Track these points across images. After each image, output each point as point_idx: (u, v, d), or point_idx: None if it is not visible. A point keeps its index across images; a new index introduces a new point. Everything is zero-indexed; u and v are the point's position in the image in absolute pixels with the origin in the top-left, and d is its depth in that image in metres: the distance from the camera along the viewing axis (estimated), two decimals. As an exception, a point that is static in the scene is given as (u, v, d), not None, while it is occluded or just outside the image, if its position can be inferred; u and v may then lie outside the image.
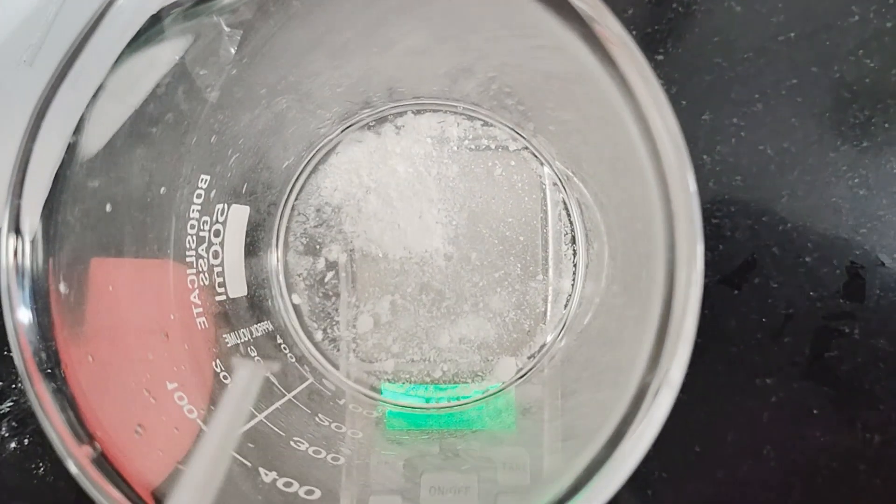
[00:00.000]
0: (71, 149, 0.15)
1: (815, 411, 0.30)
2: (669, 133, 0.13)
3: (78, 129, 0.15)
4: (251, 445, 0.18)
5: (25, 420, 0.32)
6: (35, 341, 0.14)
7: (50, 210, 0.14)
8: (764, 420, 0.31)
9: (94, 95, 0.15)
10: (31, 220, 0.14)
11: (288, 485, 0.17)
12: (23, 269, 0.14)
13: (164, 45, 0.16)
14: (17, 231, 0.14)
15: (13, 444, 0.33)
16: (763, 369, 0.31)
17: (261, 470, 0.18)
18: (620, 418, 0.14)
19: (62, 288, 0.15)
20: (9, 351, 0.32)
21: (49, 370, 0.14)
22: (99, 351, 0.15)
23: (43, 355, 0.14)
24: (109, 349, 0.16)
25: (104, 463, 0.14)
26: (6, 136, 0.23)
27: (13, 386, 0.32)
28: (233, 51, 0.21)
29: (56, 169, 0.14)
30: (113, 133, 0.16)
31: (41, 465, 0.33)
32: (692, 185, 0.14)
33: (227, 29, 0.20)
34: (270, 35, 0.19)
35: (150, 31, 0.15)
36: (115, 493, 0.14)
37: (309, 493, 0.17)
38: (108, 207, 0.16)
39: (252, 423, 0.19)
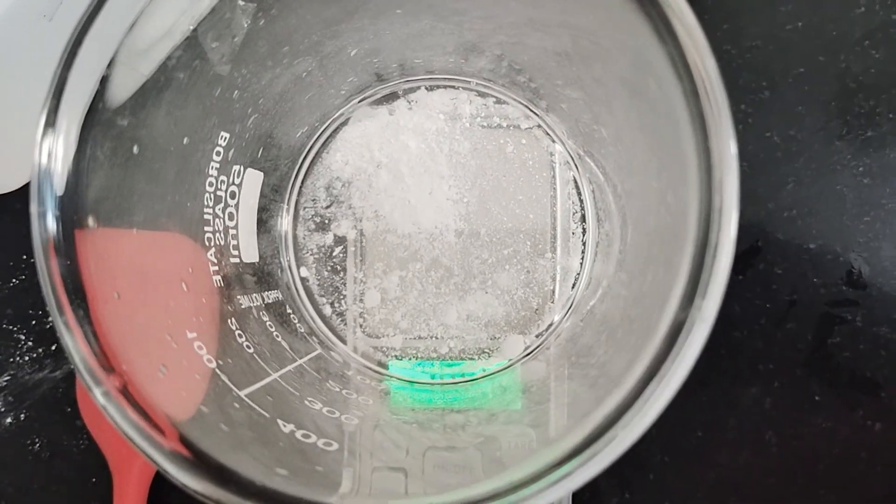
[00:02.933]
0: (104, 82, 0.15)
1: (816, 398, 0.31)
2: (714, 86, 0.14)
3: (111, 63, 0.15)
4: (269, 398, 0.18)
5: (22, 395, 0.32)
6: (63, 271, 0.14)
7: (82, 143, 0.14)
8: (766, 406, 0.31)
9: (130, 29, 0.15)
10: (66, 151, 0.14)
11: (306, 436, 0.17)
12: (54, 199, 0.14)
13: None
14: (49, 158, 0.14)
15: (9, 420, 0.32)
16: (766, 355, 0.31)
17: (279, 421, 0.17)
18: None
19: (90, 222, 0.15)
20: (6, 323, 0.32)
21: (76, 302, 0.14)
22: (125, 289, 0.15)
23: (70, 286, 0.14)
24: (134, 289, 0.16)
25: (129, 395, 0.14)
26: (28, 88, 0.23)
27: (11, 360, 0.32)
28: (245, 23, 0.21)
29: (89, 102, 0.14)
30: (147, 72, 0.16)
31: (37, 441, 0.32)
32: (733, 148, 0.14)
33: (241, 3, 0.20)
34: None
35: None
36: (143, 423, 0.14)
37: (327, 444, 0.17)
38: (136, 149, 0.16)
39: (267, 380, 0.19)
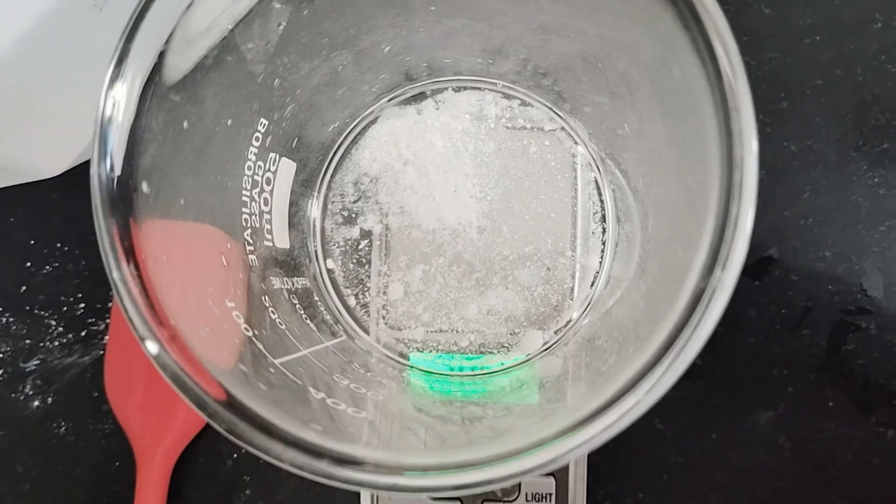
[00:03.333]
0: (161, 57, 0.16)
1: (830, 403, 0.31)
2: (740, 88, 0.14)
3: (169, 40, 0.16)
4: (300, 369, 0.19)
5: (51, 379, 0.33)
6: (119, 227, 0.15)
7: (140, 111, 0.15)
8: (780, 410, 0.31)
9: (186, 11, 0.16)
10: (126, 115, 0.15)
11: (336, 403, 0.18)
12: (113, 159, 0.15)
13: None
14: (114, 111, 0.15)
15: (36, 402, 0.33)
16: (781, 360, 0.31)
17: (311, 389, 0.18)
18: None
19: (144, 187, 0.16)
20: (38, 309, 0.33)
21: (129, 258, 0.15)
22: (173, 255, 0.16)
23: (124, 243, 0.15)
24: (181, 256, 0.17)
25: (178, 348, 0.15)
26: (77, 78, 0.24)
27: (41, 344, 0.33)
28: (282, 23, 0.22)
29: (148, 72, 0.15)
30: (199, 54, 0.17)
31: (63, 424, 0.33)
32: (754, 155, 0.15)
33: (277, 5, 0.21)
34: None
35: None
36: (192, 373, 0.14)
37: (356, 412, 0.18)
38: (185, 124, 0.17)
39: (297, 354, 0.20)
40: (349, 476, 0.14)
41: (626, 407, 0.14)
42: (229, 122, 0.20)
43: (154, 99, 0.16)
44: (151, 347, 0.14)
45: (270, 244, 0.24)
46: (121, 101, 0.15)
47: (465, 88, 0.30)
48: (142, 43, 0.15)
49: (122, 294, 0.14)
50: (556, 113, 0.29)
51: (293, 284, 0.25)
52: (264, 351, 0.18)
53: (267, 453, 0.14)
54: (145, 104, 0.16)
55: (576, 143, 0.29)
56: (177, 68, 0.17)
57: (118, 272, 0.14)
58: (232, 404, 0.15)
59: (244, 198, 0.22)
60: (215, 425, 0.15)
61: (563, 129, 0.29)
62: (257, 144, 0.22)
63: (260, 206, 0.23)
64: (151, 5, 0.15)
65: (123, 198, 0.15)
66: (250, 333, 0.18)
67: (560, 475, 0.29)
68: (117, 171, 0.15)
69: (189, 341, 0.15)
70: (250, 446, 0.15)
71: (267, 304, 0.21)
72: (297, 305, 0.24)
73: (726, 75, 0.14)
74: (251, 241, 0.22)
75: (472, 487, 0.15)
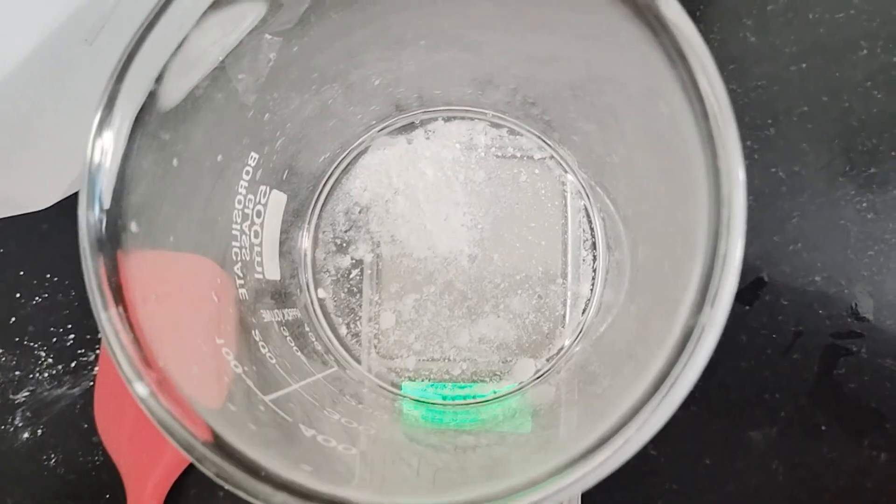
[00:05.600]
0: (151, 96, 0.16)
1: (822, 427, 0.31)
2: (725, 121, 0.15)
3: (159, 79, 0.16)
4: (291, 405, 0.19)
5: (40, 411, 0.33)
6: (107, 269, 0.15)
7: (128, 151, 0.15)
8: (773, 435, 0.31)
9: (176, 49, 0.16)
10: (114, 156, 0.15)
11: (326, 441, 0.18)
12: (102, 200, 0.15)
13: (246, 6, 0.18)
14: (102, 157, 0.15)
15: (26, 434, 0.33)
16: (772, 385, 0.31)
17: (301, 426, 0.18)
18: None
19: (133, 227, 0.16)
20: (28, 340, 0.33)
21: (117, 300, 0.15)
22: (161, 294, 0.16)
23: (112, 284, 0.15)
24: (170, 295, 0.17)
25: (166, 390, 0.14)
26: (66, 111, 0.24)
27: (31, 376, 0.33)
28: (272, 56, 0.22)
29: (136, 113, 0.15)
30: (188, 89, 0.17)
31: (52, 456, 0.33)
32: (742, 194, 0.15)
33: (268, 36, 0.22)
34: (329, 19, 0.20)
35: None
36: (179, 416, 0.14)
37: (347, 448, 0.18)
38: (175, 162, 0.17)
39: (288, 389, 0.20)
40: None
41: (617, 445, 0.14)
42: (219, 157, 0.20)
43: (143, 138, 0.16)
44: (139, 390, 0.14)
45: (261, 277, 0.24)
46: (109, 145, 0.15)
47: (455, 118, 0.30)
48: (131, 84, 0.15)
49: (109, 336, 0.14)
50: (545, 142, 0.29)
51: (283, 316, 0.25)
52: (254, 388, 0.18)
53: (256, 497, 0.14)
54: (134, 144, 0.16)
55: (565, 171, 0.29)
56: (166, 104, 0.17)
57: (105, 314, 0.14)
58: (220, 446, 0.15)
59: (234, 231, 0.22)
60: (204, 469, 0.15)
61: (552, 157, 0.29)
62: (247, 178, 0.22)
63: (250, 239, 0.23)
64: (141, 46, 0.15)
65: (112, 238, 0.15)
66: (240, 370, 0.18)
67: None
68: (105, 214, 0.15)
69: (177, 382, 0.15)
70: (239, 490, 0.14)
71: (257, 339, 0.21)
72: (288, 337, 0.24)
73: (713, 114, 0.14)
74: (241, 275, 0.22)
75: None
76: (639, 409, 0.14)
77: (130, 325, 0.15)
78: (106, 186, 0.15)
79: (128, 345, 0.14)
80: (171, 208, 0.18)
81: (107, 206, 0.15)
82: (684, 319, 0.14)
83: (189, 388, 0.15)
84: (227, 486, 0.15)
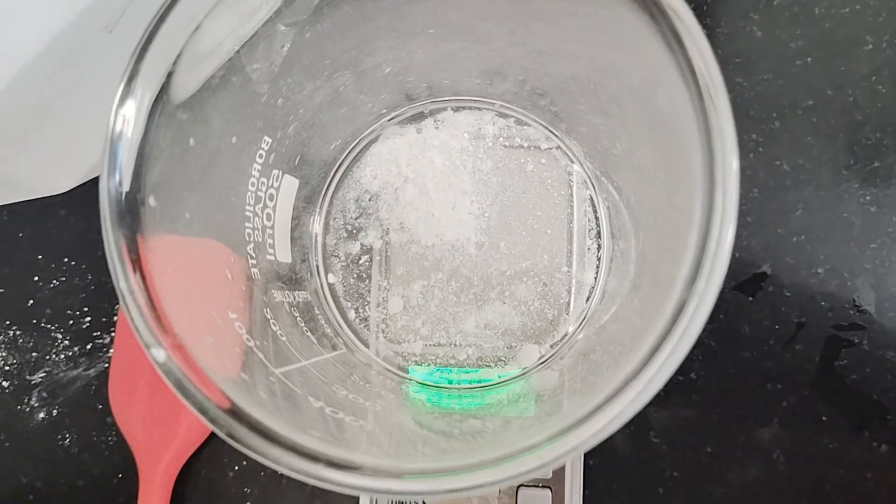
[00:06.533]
0: (169, 77, 0.16)
1: (823, 418, 0.31)
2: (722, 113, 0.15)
3: (177, 61, 0.16)
4: (300, 379, 0.20)
5: (56, 392, 0.34)
6: (127, 239, 0.15)
7: (147, 129, 0.16)
8: (774, 425, 0.31)
9: (193, 34, 0.16)
10: (135, 130, 0.16)
11: (334, 412, 0.19)
12: (121, 177, 0.16)
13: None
14: (123, 127, 0.15)
15: (41, 415, 0.34)
16: (774, 375, 0.32)
17: (310, 398, 0.19)
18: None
19: (151, 201, 0.16)
20: (45, 322, 0.34)
21: (136, 269, 0.15)
22: (178, 267, 0.17)
23: (131, 254, 0.15)
24: (186, 268, 0.17)
25: (182, 356, 0.15)
26: (86, 98, 0.25)
27: (47, 357, 0.34)
28: (286, 46, 0.23)
29: (156, 93, 0.16)
30: (206, 74, 0.18)
31: (67, 436, 0.33)
32: (734, 177, 0.15)
33: (282, 27, 0.22)
34: (342, 10, 0.21)
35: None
36: (195, 381, 0.15)
37: (354, 420, 0.19)
38: (192, 142, 0.18)
39: (297, 365, 0.21)
40: (346, 480, 0.15)
41: (614, 411, 0.15)
42: (234, 139, 0.20)
43: (162, 117, 0.16)
44: (157, 355, 0.15)
45: (273, 258, 0.24)
46: (130, 118, 0.16)
47: (463, 108, 0.30)
48: (151, 62, 0.16)
49: (128, 303, 0.15)
50: (552, 132, 0.30)
51: (294, 298, 0.25)
52: (265, 361, 0.19)
53: (266, 457, 0.15)
54: (153, 122, 0.16)
55: (571, 161, 0.30)
56: (184, 87, 0.17)
57: (125, 282, 0.15)
58: (232, 410, 0.15)
59: (247, 213, 0.22)
60: (216, 430, 0.15)
61: (559, 147, 0.30)
62: (261, 161, 0.23)
63: (263, 222, 0.23)
64: (161, 27, 0.16)
65: (131, 211, 0.16)
66: (252, 344, 0.19)
67: (556, 489, 0.30)
68: (126, 186, 0.16)
69: (192, 350, 0.16)
70: (249, 450, 0.15)
71: (268, 316, 0.22)
72: (298, 318, 0.24)
73: (707, 95, 0.15)
74: (254, 255, 0.22)
75: (468, 490, 0.15)
76: (633, 377, 0.15)
77: (148, 295, 0.16)
78: (126, 159, 0.15)
79: (146, 312, 0.15)
80: (187, 186, 0.18)
81: (127, 179, 0.15)
82: (678, 294, 0.15)
83: (203, 356, 0.16)
84: (238, 447, 0.15)
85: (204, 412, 0.15)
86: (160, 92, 0.16)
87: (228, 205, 0.21)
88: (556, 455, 0.15)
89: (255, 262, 0.22)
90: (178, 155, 0.17)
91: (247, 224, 0.22)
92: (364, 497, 0.27)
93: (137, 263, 0.16)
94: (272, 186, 0.24)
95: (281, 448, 0.15)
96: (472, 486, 0.15)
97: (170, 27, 0.16)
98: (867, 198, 0.32)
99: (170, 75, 0.16)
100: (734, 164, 0.15)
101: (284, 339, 0.22)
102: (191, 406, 0.15)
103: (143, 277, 0.16)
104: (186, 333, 0.16)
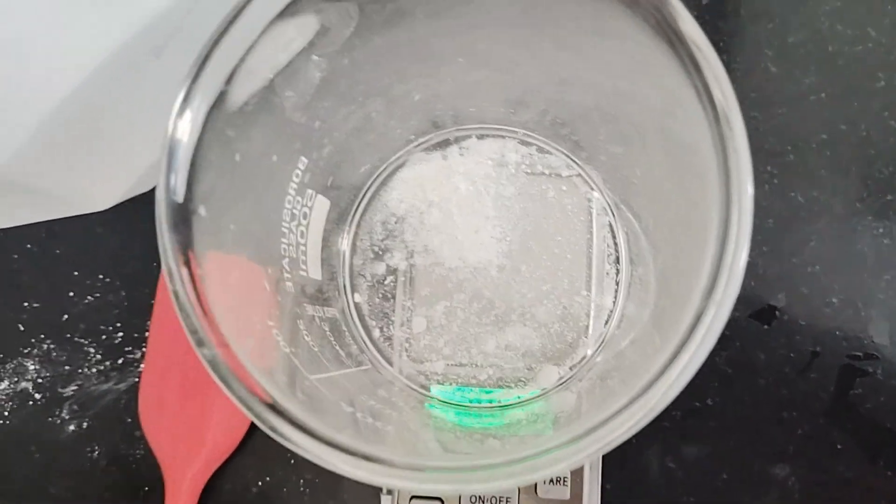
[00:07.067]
0: (221, 96, 0.18)
1: (838, 446, 0.32)
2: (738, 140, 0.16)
3: (227, 83, 0.18)
4: (332, 386, 0.21)
5: (87, 405, 0.34)
6: (180, 244, 0.16)
7: (200, 140, 0.17)
8: (789, 452, 0.32)
9: (246, 53, 0.18)
10: (189, 141, 0.17)
11: (364, 417, 0.19)
12: (177, 183, 0.17)
13: (294, 30, 0.20)
14: (181, 137, 0.17)
15: (72, 427, 0.34)
16: (789, 403, 0.32)
17: (342, 403, 0.20)
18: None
19: (202, 211, 0.17)
20: (79, 336, 0.35)
21: (187, 273, 0.16)
22: (223, 276, 0.18)
23: (184, 258, 0.16)
24: (230, 277, 0.19)
25: (229, 354, 0.16)
26: (132, 122, 0.26)
27: (80, 370, 0.35)
28: (318, 76, 0.24)
29: (210, 106, 0.17)
30: (249, 95, 0.19)
31: (96, 448, 0.34)
32: (750, 190, 0.16)
33: (315, 58, 0.24)
34: (372, 42, 0.22)
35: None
36: (242, 379, 0.16)
37: (384, 426, 0.19)
38: (237, 157, 0.19)
39: (328, 374, 0.22)
40: (372, 473, 0.16)
41: (637, 416, 0.16)
42: (274, 157, 0.22)
43: (212, 133, 0.18)
44: (206, 352, 0.16)
45: (305, 273, 0.25)
46: (186, 127, 0.17)
47: (487, 136, 0.32)
48: (205, 81, 0.17)
49: (181, 302, 0.16)
50: (573, 160, 0.31)
51: (324, 313, 0.26)
52: (299, 366, 0.20)
53: (306, 451, 0.16)
54: (205, 136, 0.17)
55: (591, 188, 0.31)
56: (232, 106, 0.19)
57: (180, 283, 0.16)
58: (274, 407, 0.16)
59: (283, 228, 0.24)
60: (259, 424, 0.16)
61: (579, 175, 0.31)
62: (297, 181, 0.24)
63: (297, 238, 0.24)
64: (215, 50, 0.17)
65: (184, 219, 0.17)
66: (288, 350, 0.20)
67: (574, 511, 0.30)
68: (180, 193, 0.17)
69: (236, 350, 0.17)
70: (289, 443, 0.16)
71: (301, 328, 0.23)
72: (328, 332, 0.25)
73: (724, 118, 0.16)
74: (288, 270, 0.24)
75: (489, 486, 0.16)
76: (648, 388, 0.15)
77: (198, 296, 0.17)
78: (182, 166, 0.17)
79: (197, 311, 0.16)
80: (232, 199, 0.19)
81: (182, 189, 0.17)
82: (696, 306, 0.16)
83: (245, 357, 0.17)
84: (279, 440, 0.16)
85: (249, 407, 0.16)
86: (211, 109, 0.18)
87: (268, 220, 0.22)
88: (573, 456, 0.16)
89: (289, 276, 0.23)
90: (225, 169, 0.19)
91: (283, 239, 0.23)
92: (385, 499, 0.28)
93: (188, 267, 0.17)
94: (306, 205, 0.25)
95: (318, 442, 0.16)
96: (493, 484, 0.16)
97: (222, 50, 0.17)
98: (880, 230, 0.33)
99: (222, 93, 0.18)
100: (749, 182, 0.16)
101: (316, 349, 0.23)
102: (236, 401, 0.16)
103: (193, 281, 0.17)
104: (230, 336, 0.17)
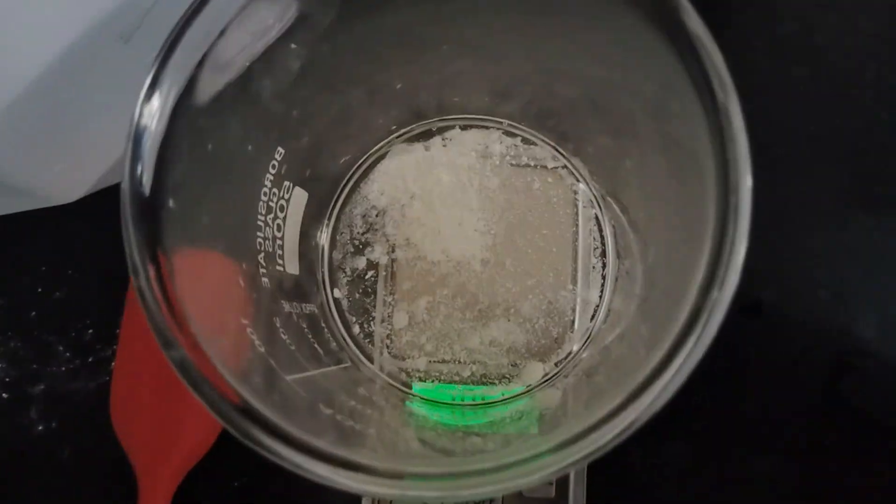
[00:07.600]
0: (192, 82, 0.17)
1: (828, 443, 0.31)
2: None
3: (201, 64, 0.17)
4: (309, 387, 0.20)
5: (56, 403, 0.33)
6: (145, 237, 0.15)
7: (169, 128, 0.16)
8: (779, 449, 0.31)
9: (219, 37, 0.17)
10: (157, 130, 0.16)
11: (344, 419, 0.19)
12: (143, 173, 0.16)
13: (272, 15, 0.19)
14: (149, 122, 0.16)
15: (40, 427, 0.33)
16: (779, 399, 0.32)
17: (320, 405, 0.19)
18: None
19: (171, 203, 0.16)
20: (47, 334, 0.33)
21: (154, 267, 0.15)
22: (193, 270, 0.17)
23: (151, 253, 0.15)
24: (200, 271, 0.18)
25: (198, 356, 0.15)
26: (100, 109, 0.25)
27: (48, 369, 0.33)
28: (297, 62, 0.23)
29: (178, 96, 0.16)
30: (222, 84, 0.18)
31: (66, 449, 0.33)
32: (749, 181, 0.16)
33: (293, 46, 0.23)
34: (355, 30, 0.21)
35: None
36: (211, 380, 0.15)
37: (364, 428, 0.19)
38: (210, 147, 0.18)
39: (306, 374, 0.21)
40: (351, 481, 0.15)
41: (629, 417, 0.15)
42: (249, 147, 0.21)
43: (182, 120, 0.17)
44: (174, 353, 0.15)
45: (282, 269, 0.24)
46: (154, 114, 0.16)
47: (471, 127, 0.31)
48: (175, 64, 0.16)
49: (147, 300, 0.15)
50: (559, 151, 0.30)
51: (302, 309, 0.25)
52: (275, 367, 0.19)
53: (278, 457, 0.15)
54: (174, 124, 0.16)
55: (577, 180, 0.30)
56: (203, 94, 0.18)
57: (145, 281, 0.15)
58: (246, 411, 0.15)
59: (259, 222, 0.23)
60: (230, 429, 0.15)
61: (565, 167, 0.30)
62: (273, 172, 0.23)
63: (273, 232, 0.23)
64: (185, 33, 0.16)
65: (152, 211, 0.16)
66: (262, 350, 0.19)
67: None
68: (147, 184, 0.16)
69: (207, 352, 0.16)
70: (261, 449, 0.15)
71: (278, 326, 0.22)
72: (306, 329, 0.24)
73: (722, 106, 0.15)
74: (264, 265, 0.23)
75: (473, 494, 0.15)
76: (642, 390, 0.15)
77: (165, 294, 0.16)
78: (148, 155, 0.16)
79: (163, 310, 0.15)
80: (204, 191, 0.18)
81: (148, 179, 0.16)
82: (692, 302, 0.15)
83: (217, 358, 0.16)
84: (251, 447, 0.15)
85: (218, 411, 0.15)
86: (181, 95, 0.17)
87: (242, 213, 0.21)
88: (563, 462, 0.15)
89: (265, 271, 0.22)
90: (197, 159, 0.18)
91: (258, 233, 0.22)
92: (366, 498, 0.27)
93: (156, 263, 0.16)
94: (283, 198, 0.24)
95: (293, 448, 0.15)
96: (478, 492, 0.15)
97: (192, 34, 0.16)
98: (870, 224, 0.32)
99: (192, 80, 0.17)
100: (748, 171, 0.15)
101: (293, 348, 0.22)
102: (206, 404, 0.15)
103: (160, 277, 0.16)
104: (202, 335, 0.16)
